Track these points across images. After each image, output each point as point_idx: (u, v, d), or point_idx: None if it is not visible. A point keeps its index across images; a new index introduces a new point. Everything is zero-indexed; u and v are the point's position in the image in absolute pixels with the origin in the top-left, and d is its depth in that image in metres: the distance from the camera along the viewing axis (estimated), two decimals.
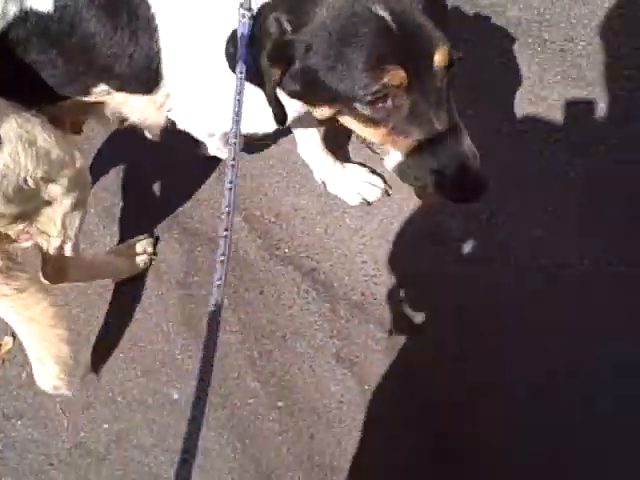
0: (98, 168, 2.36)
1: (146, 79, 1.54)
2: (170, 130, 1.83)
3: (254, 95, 1.38)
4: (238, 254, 2.16)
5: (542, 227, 2.01)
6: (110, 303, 2.16)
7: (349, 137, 2.25)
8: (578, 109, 2.17)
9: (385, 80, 1.21)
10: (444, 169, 1.27)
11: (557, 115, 2.17)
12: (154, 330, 2.09)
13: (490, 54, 2.30)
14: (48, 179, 1.54)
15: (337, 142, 2.21)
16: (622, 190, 2.01)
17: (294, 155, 2.21)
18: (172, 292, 2.15)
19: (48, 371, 1.65)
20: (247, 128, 1.66)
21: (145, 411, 1.99)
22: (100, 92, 1.60)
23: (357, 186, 2.15)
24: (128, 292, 2.17)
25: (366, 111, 1.27)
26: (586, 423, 1.76)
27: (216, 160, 2.29)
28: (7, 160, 1.44)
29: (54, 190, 1.58)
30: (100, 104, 1.68)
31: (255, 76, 1.33)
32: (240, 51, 1.31)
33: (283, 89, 1.35)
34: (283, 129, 1.69)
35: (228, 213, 1.18)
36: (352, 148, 2.25)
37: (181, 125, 1.79)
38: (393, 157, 1.33)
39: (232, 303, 2.10)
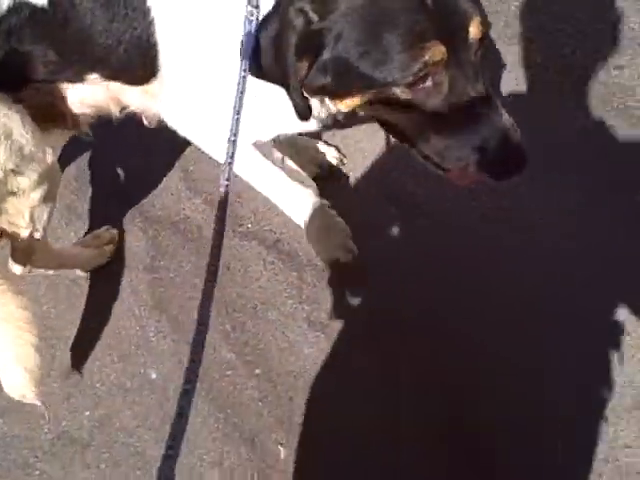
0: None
1: (142, 71, 1.54)
2: (125, 121, 1.86)
3: (268, 95, 1.36)
4: (202, 235, 2.21)
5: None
6: (80, 295, 2.18)
7: None
8: None
9: (426, 58, 1.15)
10: (487, 144, 1.22)
11: None
12: (126, 316, 2.12)
13: None
14: (18, 172, 1.58)
15: None
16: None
17: None
18: (141, 278, 2.18)
19: (16, 379, 1.64)
20: (268, 132, 1.68)
21: (125, 394, 2.02)
22: (94, 79, 1.60)
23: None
24: (98, 283, 2.19)
25: (405, 94, 1.21)
26: None
27: (174, 148, 2.34)
28: None
29: (23, 183, 1.61)
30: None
31: (272, 74, 1.30)
32: (245, 50, 1.28)
33: (309, 84, 1.29)
34: None
35: (224, 209, 1.22)
36: None
37: (179, 129, 1.75)
38: (432, 142, 1.27)
39: (201, 282, 2.13)
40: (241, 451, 1.89)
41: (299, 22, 1.19)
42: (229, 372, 2.00)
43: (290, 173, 1.90)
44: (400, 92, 1.20)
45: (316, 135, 2.26)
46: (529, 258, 2.03)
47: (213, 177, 2.29)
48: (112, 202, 2.33)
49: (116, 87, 1.64)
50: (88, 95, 1.68)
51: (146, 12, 1.42)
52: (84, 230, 2.28)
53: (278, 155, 2.15)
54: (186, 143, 2.27)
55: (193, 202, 2.28)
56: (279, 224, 2.18)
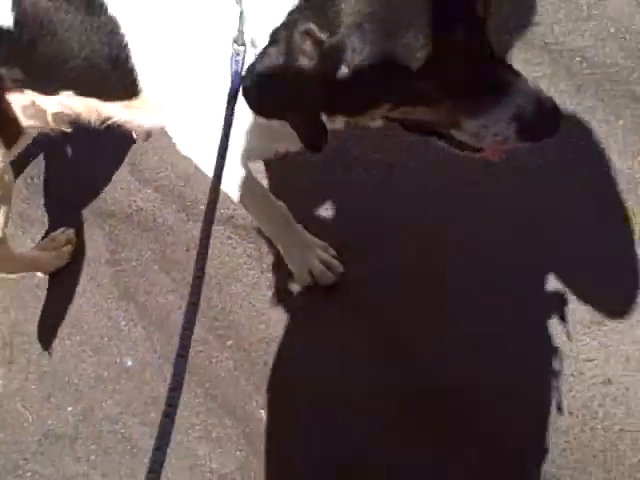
0: None
1: (120, 93, 1.51)
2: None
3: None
4: (157, 222, 2.26)
5: None
6: (46, 298, 2.21)
7: None
8: None
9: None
10: (522, 111, 1.19)
11: None
12: (94, 310, 2.16)
13: None
14: None
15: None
16: None
17: None
18: (103, 272, 2.22)
19: None
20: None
21: (104, 385, 2.06)
22: (69, 94, 1.58)
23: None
24: (62, 283, 2.22)
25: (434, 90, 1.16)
26: None
27: (119, 144, 2.37)
28: None
29: None
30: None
31: (272, 111, 1.24)
32: (232, 91, 1.22)
33: (330, 107, 1.24)
34: None
35: (213, 209, 1.19)
36: None
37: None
38: (466, 126, 1.23)
39: (163, 267, 2.19)
40: (225, 421, 1.96)
41: (308, 44, 1.10)
42: (201, 348, 2.06)
43: None
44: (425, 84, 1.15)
45: None
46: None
47: (160, 166, 2.34)
48: (65, 204, 2.36)
49: (94, 101, 1.60)
50: (61, 105, 1.66)
51: (122, 36, 1.37)
52: (40, 235, 2.31)
53: None
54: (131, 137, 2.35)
55: (144, 192, 2.32)
56: (228, 202, 2.23)
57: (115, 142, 2.34)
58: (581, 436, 1.87)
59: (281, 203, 1.92)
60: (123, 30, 1.37)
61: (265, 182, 2.23)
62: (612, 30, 2.40)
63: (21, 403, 2.09)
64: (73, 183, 2.39)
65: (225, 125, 1.21)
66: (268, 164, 2.24)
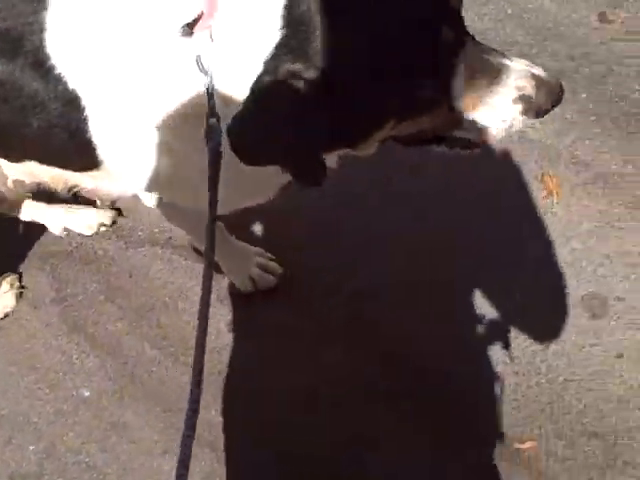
0: None
1: (81, 164, 1.48)
2: None
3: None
4: (98, 254, 2.30)
5: None
6: None
7: None
8: None
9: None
10: (524, 90, 1.18)
11: None
12: (45, 349, 2.17)
13: None
14: None
15: None
16: None
17: None
18: (51, 311, 2.24)
19: None
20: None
21: (64, 418, 2.07)
22: (32, 164, 1.56)
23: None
24: (10, 329, 2.24)
25: (433, 94, 1.15)
26: None
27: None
28: None
29: None
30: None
31: (265, 159, 1.18)
32: (213, 162, 1.15)
33: (328, 143, 1.20)
34: None
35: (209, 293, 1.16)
36: None
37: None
38: (469, 122, 1.21)
39: (108, 296, 2.23)
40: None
41: (296, 84, 1.06)
42: (155, 368, 2.10)
43: None
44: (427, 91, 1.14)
45: None
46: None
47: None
48: (5, 250, 2.38)
49: (60, 170, 1.57)
50: (25, 174, 1.65)
51: (80, 107, 1.31)
52: None
53: None
54: None
55: None
56: (165, 224, 2.29)
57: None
58: (528, 392, 1.96)
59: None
60: (82, 102, 1.30)
61: None
62: (509, 11, 2.56)
63: None
64: (11, 228, 2.42)
65: (211, 207, 1.14)
66: None
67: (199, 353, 1.05)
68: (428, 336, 2.04)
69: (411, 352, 2.03)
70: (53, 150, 1.44)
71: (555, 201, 2.23)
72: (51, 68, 1.28)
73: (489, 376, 2.00)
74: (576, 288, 2.10)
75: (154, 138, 1.32)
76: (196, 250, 2.18)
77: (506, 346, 2.03)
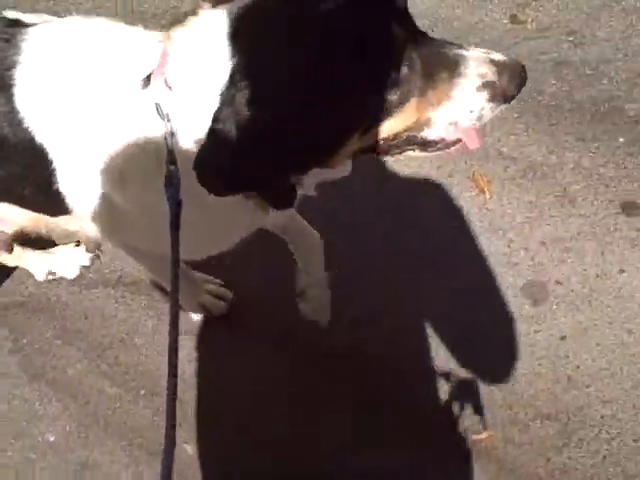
0: None
1: (53, 210, 1.53)
2: None
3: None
4: (51, 300, 2.33)
5: None
6: None
7: None
8: None
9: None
10: (486, 77, 1.17)
11: None
12: (7, 400, 2.19)
13: None
14: None
15: None
16: None
17: None
18: (9, 362, 2.25)
19: None
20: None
21: (31, 465, 2.09)
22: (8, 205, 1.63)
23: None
24: None
25: (395, 94, 1.15)
26: None
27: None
28: None
29: None
30: None
31: (239, 183, 1.16)
32: (173, 212, 1.17)
33: (299, 167, 1.21)
34: None
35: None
36: None
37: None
38: (438, 118, 1.21)
39: (66, 340, 2.26)
40: (153, 465, 2.02)
41: (248, 111, 1.06)
42: (117, 404, 2.13)
43: None
44: (391, 95, 1.15)
45: None
46: None
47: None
48: None
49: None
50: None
51: (47, 159, 1.37)
52: None
53: None
54: None
55: (33, 277, 2.38)
56: (115, 264, 2.34)
57: None
58: (481, 384, 2.03)
59: None
60: (49, 155, 1.36)
61: None
62: (426, 22, 2.64)
63: None
64: None
65: (173, 251, 1.16)
66: None
67: (171, 402, 1.08)
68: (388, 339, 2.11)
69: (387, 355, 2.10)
70: (25, 196, 1.51)
71: (488, 197, 2.32)
72: (21, 121, 1.35)
73: (442, 373, 2.07)
74: (516, 277, 2.19)
75: (119, 188, 1.36)
76: (155, 283, 2.23)
77: (456, 342, 2.10)
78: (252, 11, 1.12)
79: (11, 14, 1.48)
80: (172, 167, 1.17)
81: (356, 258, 2.21)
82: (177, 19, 1.24)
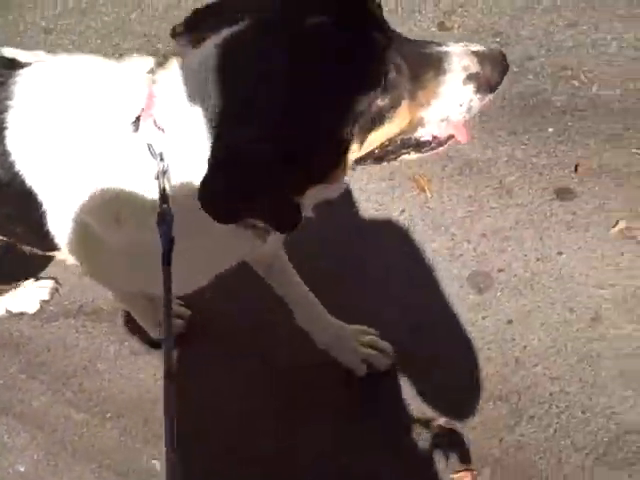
0: None
1: (44, 246, 1.58)
2: None
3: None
4: (14, 336, 2.39)
5: None
6: None
7: None
8: None
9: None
10: (470, 69, 1.21)
11: None
12: None
13: None
14: None
15: None
16: None
17: None
18: None
19: None
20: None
21: None
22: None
23: (364, 354, 2.09)
24: None
25: (386, 99, 1.18)
26: None
27: None
28: None
29: None
30: None
31: (243, 208, 1.18)
32: (166, 251, 1.19)
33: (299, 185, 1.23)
34: None
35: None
36: None
37: None
38: (430, 115, 1.24)
39: (30, 374, 2.31)
40: None
41: (247, 146, 1.10)
42: (84, 429, 2.17)
43: None
44: (382, 100, 1.18)
45: None
46: None
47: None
48: None
49: None
50: None
51: (38, 202, 1.42)
52: None
53: None
54: None
55: None
56: (75, 294, 2.41)
57: None
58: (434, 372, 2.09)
59: None
60: (39, 198, 1.41)
61: None
62: None
63: None
64: None
65: (165, 289, 1.17)
66: None
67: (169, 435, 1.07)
68: None
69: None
70: (18, 233, 1.59)
71: (429, 196, 2.41)
72: (12, 164, 1.41)
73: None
74: (460, 269, 2.27)
75: (113, 229, 1.39)
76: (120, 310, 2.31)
77: (408, 337, 2.16)
78: (230, 45, 1.16)
79: (8, 52, 1.53)
80: (164, 205, 1.20)
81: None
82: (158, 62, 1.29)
